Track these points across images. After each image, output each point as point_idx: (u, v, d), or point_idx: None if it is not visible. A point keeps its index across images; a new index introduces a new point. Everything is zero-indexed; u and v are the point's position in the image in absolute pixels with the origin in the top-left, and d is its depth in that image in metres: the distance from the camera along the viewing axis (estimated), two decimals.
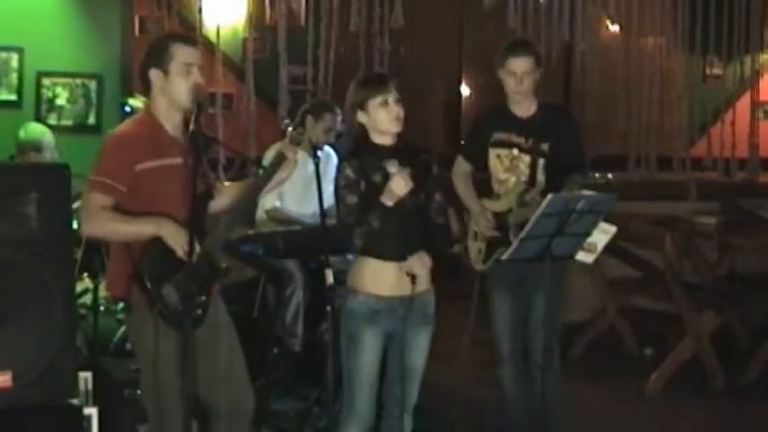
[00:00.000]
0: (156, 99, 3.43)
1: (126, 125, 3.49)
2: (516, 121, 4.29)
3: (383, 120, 3.46)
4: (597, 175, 4.00)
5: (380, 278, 3.48)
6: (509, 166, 4.28)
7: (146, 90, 3.47)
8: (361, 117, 3.51)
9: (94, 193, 3.30)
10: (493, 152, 4.32)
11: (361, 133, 3.53)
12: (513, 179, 4.26)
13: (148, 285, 3.26)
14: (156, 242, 3.27)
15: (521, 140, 4.26)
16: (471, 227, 4.39)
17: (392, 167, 3.39)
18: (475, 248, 4.37)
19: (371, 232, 3.39)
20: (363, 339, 3.48)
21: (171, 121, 3.43)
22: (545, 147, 4.24)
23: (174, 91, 3.38)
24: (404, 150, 3.53)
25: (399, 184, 3.35)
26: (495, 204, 4.31)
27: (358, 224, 3.41)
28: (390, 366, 3.61)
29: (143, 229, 3.29)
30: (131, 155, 3.32)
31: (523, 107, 4.30)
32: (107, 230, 3.36)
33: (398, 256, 3.49)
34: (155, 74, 3.40)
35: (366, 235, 3.40)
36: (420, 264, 3.51)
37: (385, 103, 3.46)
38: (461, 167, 4.46)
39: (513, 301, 4.29)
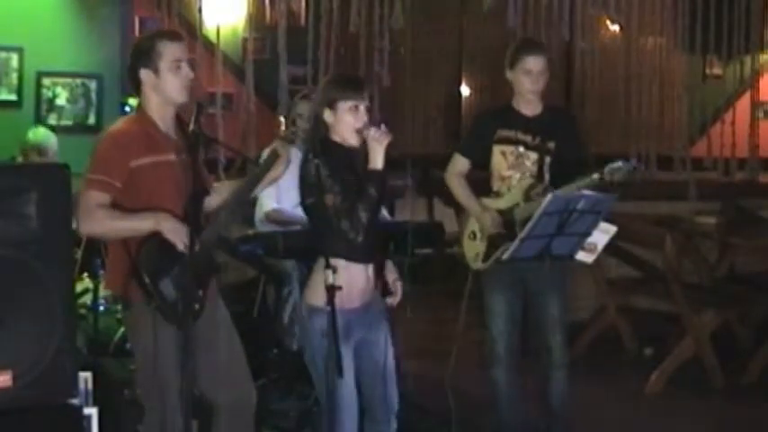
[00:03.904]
0: (148, 98, 3.46)
1: (119, 124, 3.51)
2: (523, 120, 4.28)
3: (348, 125, 3.35)
4: (595, 176, 3.96)
5: (350, 289, 3.33)
6: (514, 163, 4.26)
7: (136, 90, 3.51)
8: (328, 116, 3.37)
9: (91, 191, 3.31)
10: (497, 149, 4.29)
11: (324, 131, 3.40)
12: (518, 175, 4.25)
13: (146, 280, 3.27)
14: (154, 237, 3.28)
15: (527, 138, 4.25)
16: (468, 226, 4.35)
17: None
18: (472, 248, 4.34)
19: (359, 225, 3.28)
20: (344, 359, 3.26)
21: (163, 119, 3.46)
22: (551, 145, 4.25)
23: (166, 88, 3.42)
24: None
25: (380, 137, 3.27)
26: (499, 202, 4.28)
27: (348, 215, 3.28)
28: (366, 374, 3.51)
29: (141, 224, 3.30)
30: (126, 151, 3.34)
31: (531, 106, 4.30)
32: (105, 228, 3.36)
33: (367, 258, 3.41)
34: (145, 74, 3.43)
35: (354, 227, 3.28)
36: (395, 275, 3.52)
37: (355, 109, 3.35)
38: (458, 166, 4.40)
39: (511, 301, 4.27)
